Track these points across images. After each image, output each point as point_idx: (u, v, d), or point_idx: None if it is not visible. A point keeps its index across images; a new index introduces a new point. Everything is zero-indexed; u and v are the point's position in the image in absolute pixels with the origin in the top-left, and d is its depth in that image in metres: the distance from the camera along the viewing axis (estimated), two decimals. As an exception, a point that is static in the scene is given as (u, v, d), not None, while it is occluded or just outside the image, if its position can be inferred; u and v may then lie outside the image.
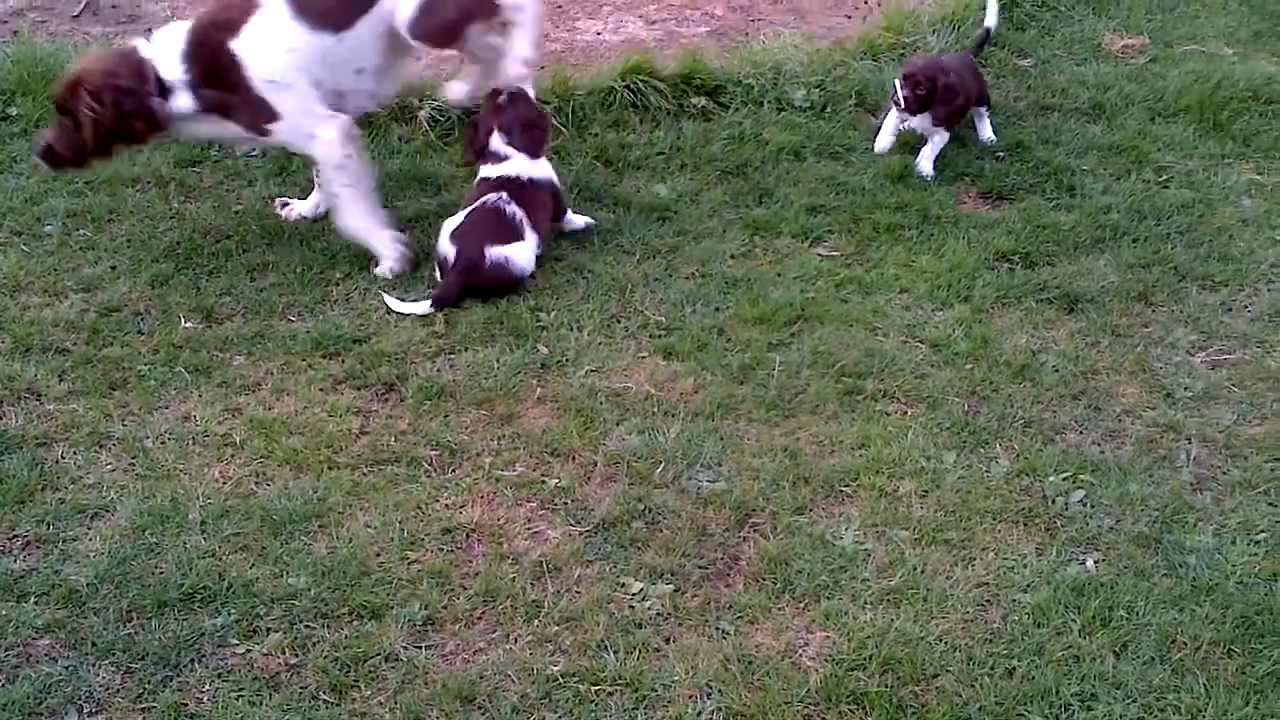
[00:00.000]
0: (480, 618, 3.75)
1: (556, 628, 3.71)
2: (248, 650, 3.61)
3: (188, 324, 4.99)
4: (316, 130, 5.24)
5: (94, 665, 3.56)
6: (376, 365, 4.76)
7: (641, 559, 3.94)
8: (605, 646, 3.64)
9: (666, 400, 4.61)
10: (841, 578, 3.88)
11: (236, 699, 3.47)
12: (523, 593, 3.81)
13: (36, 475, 4.20)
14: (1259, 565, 3.94)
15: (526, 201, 5.28)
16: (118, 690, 3.50)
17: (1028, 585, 3.87)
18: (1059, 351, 4.91)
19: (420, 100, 6.38)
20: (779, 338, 4.96)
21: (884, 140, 6.34)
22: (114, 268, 5.32)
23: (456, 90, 5.87)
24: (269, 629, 3.68)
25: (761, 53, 6.93)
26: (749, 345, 4.91)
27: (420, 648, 3.64)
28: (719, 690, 3.52)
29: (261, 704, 3.46)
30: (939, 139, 6.17)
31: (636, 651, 3.63)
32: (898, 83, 6.12)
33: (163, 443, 4.38)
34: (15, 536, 3.99)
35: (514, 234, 5.20)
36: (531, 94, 5.61)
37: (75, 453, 4.33)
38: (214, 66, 5.12)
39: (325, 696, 3.49)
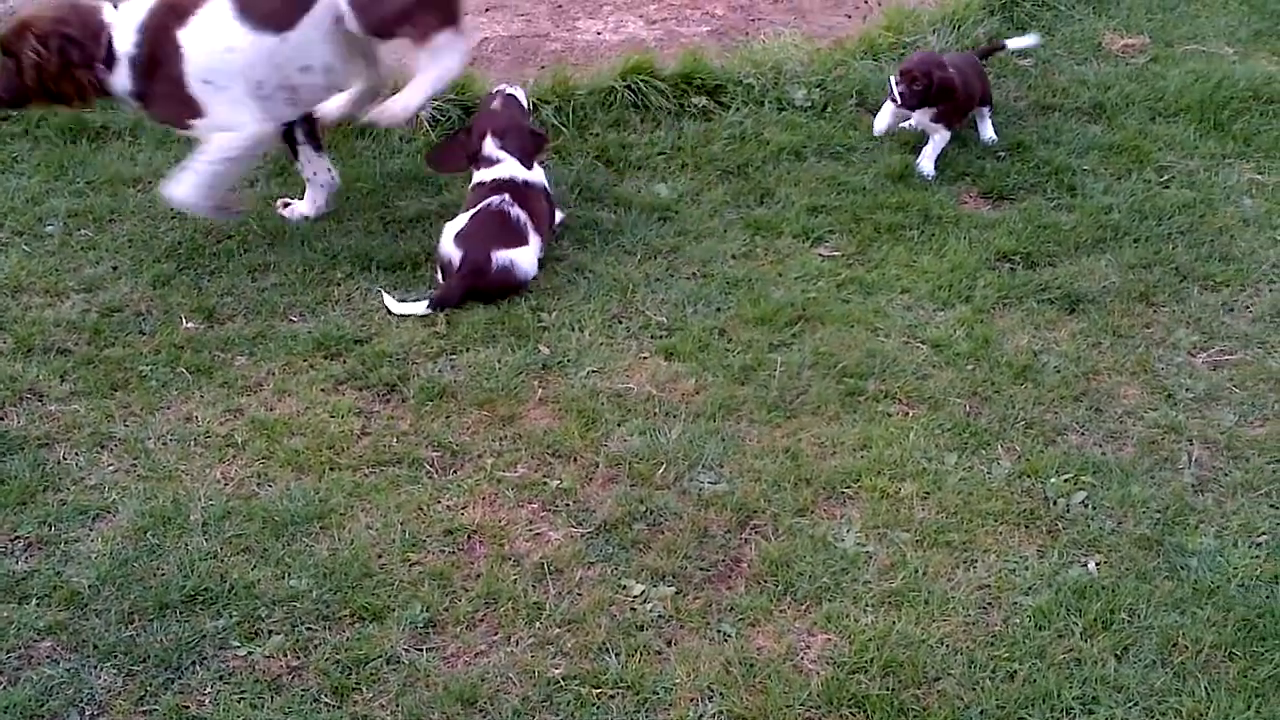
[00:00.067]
0: (482, 620, 3.75)
1: (558, 630, 3.71)
2: (249, 652, 3.62)
3: (189, 324, 4.99)
4: (228, 132, 5.22)
5: (95, 667, 3.56)
6: (378, 366, 4.76)
7: (643, 561, 3.94)
8: (606, 649, 3.64)
9: (668, 401, 4.61)
10: (843, 580, 3.89)
11: (238, 701, 3.47)
12: (524, 595, 3.81)
13: (38, 476, 4.21)
14: (1261, 568, 3.94)
15: (528, 204, 5.28)
16: (119, 693, 3.50)
17: (1029, 588, 3.87)
18: (1060, 352, 4.91)
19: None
20: (780, 338, 4.96)
21: (882, 122, 6.40)
22: (115, 268, 5.32)
23: (329, 111, 5.76)
24: (271, 631, 3.68)
25: (762, 52, 6.93)
26: (750, 346, 4.91)
27: (422, 650, 3.65)
28: (720, 693, 3.52)
29: (263, 706, 3.46)
30: (939, 138, 6.17)
31: (638, 654, 3.63)
32: (893, 79, 6.14)
33: (164, 444, 4.38)
34: (17, 538, 3.99)
35: (519, 238, 5.20)
36: (524, 99, 5.63)
37: (77, 454, 4.33)
38: (158, 50, 5.09)
39: (327, 699, 3.50)
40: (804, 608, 3.80)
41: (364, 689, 3.52)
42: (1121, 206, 5.87)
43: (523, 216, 5.23)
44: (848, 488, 4.25)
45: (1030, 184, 6.07)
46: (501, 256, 5.12)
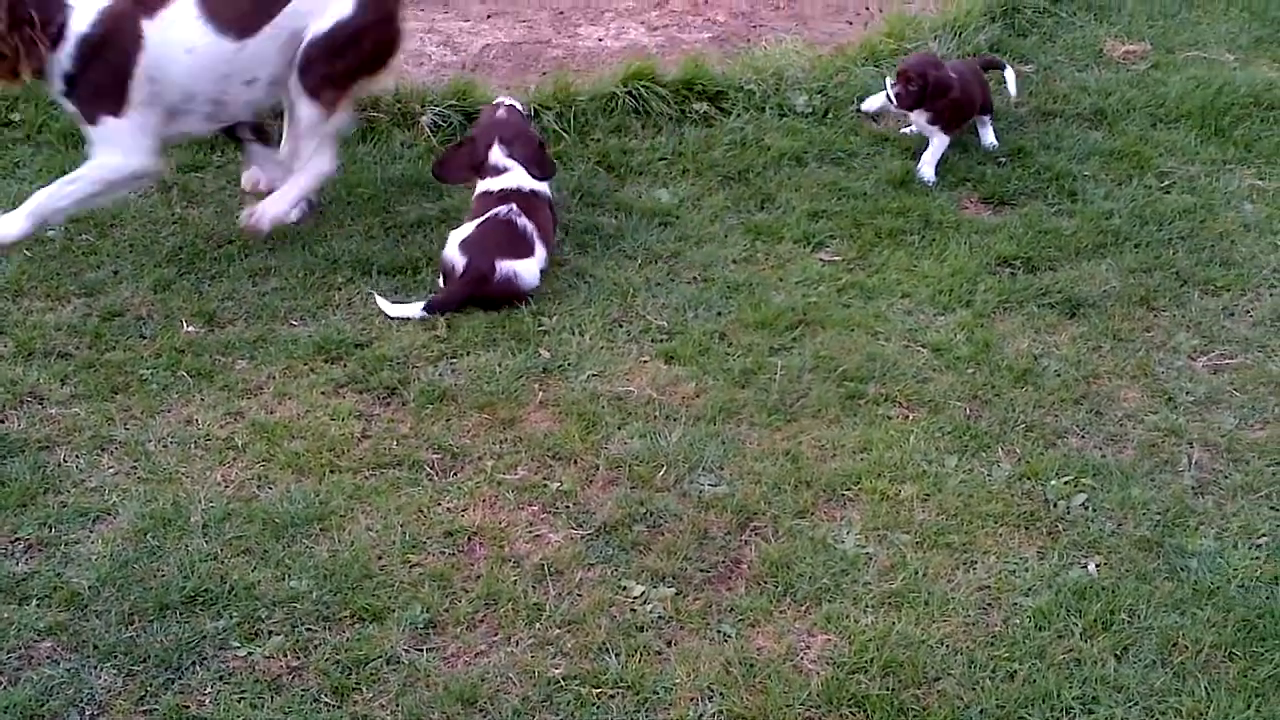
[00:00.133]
0: (482, 621, 3.75)
1: (558, 631, 3.71)
2: (249, 653, 3.62)
3: (190, 328, 4.99)
4: (126, 154, 5.21)
5: (95, 668, 3.56)
6: (378, 369, 4.76)
7: (643, 562, 3.94)
8: (606, 649, 3.64)
9: (668, 404, 4.61)
10: (843, 581, 3.88)
11: (238, 702, 3.47)
12: (524, 596, 3.81)
13: (39, 479, 4.21)
14: (1260, 569, 3.94)
15: (534, 214, 5.28)
16: (119, 693, 3.50)
17: (1029, 589, 3.87)
18: (1061, 356, 4.92)
19: (422, 105, 6.39)
20: (781, 342, 4.97)
21: (873, 104, 6.49)
22: (116, 272, 5.33)
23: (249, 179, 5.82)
24: (271, 632, 3.68)
25: (763, 58, 6.94)
26: (751, 349, 4.91)
27: (422, 651, 3.64)
28: (720, 693, 3.52)
29: (263, 707, 3.46)
30: (938, 142, 6.18)
31: (638, 654, 3.63)
32: (889, 80, 6.16)
33: (165, 446, 4.38)
34: (17, 539, 3.99)
35: (525, 248, 5.18)
36: (523, 110, 5.67)
37: (77, 456, 4.33)
38: (115, 36, 5.06)
39: (327, 699, 3.49)
40: (804, 608, 3.79)
41: (364, 689, 3.52)
42: (1122, 212, 5.88)
43: (530, 227, 5.22)
44: (848, 490, 4.25)
45: (1031, 189, 6.08)
46: (506, 267, 5.12)
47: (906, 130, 6.45)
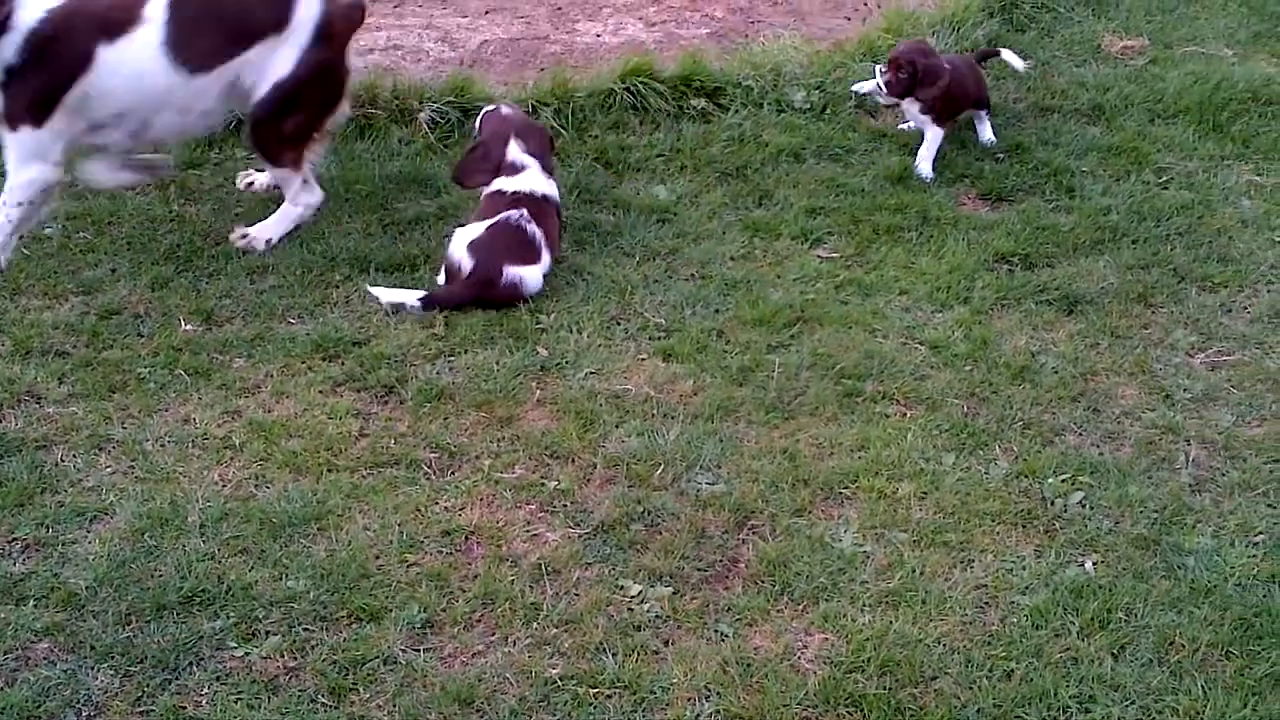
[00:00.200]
0: (479, 620, 3.75)
1: (555, 630, 3.71)
2: (246, 653, 3.62)
3: (187, 326, 4.99)
4: (34, 166, 5.16)
5: (93, 668, 3.56)
6: (376, 368, 4.76)
7: (640, 561, 3.94)
8: (604, 649, 3.64)
9: (666, 402, 4.61)
10: (840, 580, 3.88)
11: (235, 702, 3.47)
12: (521, 595, 3.81)
13: (36, 478, 4.21)
14: (1257, 567, 3.94)
15: (544, 221, 5.25)
16: (116, 693, 3.49)
17: (1026, 587, 3.87)
18: (1058, 353, 4.92)
19: (420, 102, 6.38)
20: (778, 339, 4.96)
21: (864, 85, 6.56)
22: (114, 270, 5.33)
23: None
24: (268, 632, 3.68)
25: (761, 55, 6.94)
26: (748, 347, 4.91)
27: (419, 650, 3.64)
28: (717, 692, 3.52)
29: (260, 707, 3.46)
30: (932, 135, 6.17)
31: (635, 654, 3.63)
32: (879, 68, 6.17)
33: (162, 445, 4.38)
34: (14, 539, 3.99)
35: (533, 255, 5.17)
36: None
37: (75, 455, 4.33)
38: (63, 46, 5.01)
39: (324, 699, 3.49)
40: (801, 607, 3.80)
41: (361, 689, 3.52)
42: (1120, 208, 5.87)
43: (538, 234, 5.20)
44: (845, 488, 4.25)
45: (1029, 185, 6.07)
46: (512, 272, 5.10)
47: (904, 126, 6.45)
